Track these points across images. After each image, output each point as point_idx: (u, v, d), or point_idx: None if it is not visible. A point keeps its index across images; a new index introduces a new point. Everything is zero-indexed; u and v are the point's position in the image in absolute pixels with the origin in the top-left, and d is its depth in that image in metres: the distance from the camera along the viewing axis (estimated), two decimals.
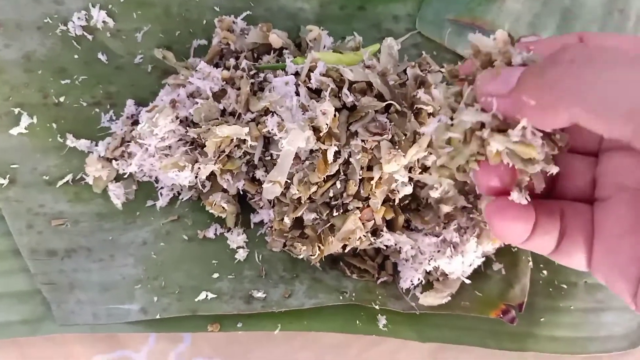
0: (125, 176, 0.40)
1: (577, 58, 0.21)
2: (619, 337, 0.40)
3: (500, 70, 0.24)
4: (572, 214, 0.27)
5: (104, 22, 0.40)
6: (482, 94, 0.24)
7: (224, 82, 0.39)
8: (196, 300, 0.38)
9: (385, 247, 0.40)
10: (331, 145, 0.37)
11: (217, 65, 0.41)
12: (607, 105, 0.20)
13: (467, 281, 0.39)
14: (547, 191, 0.28)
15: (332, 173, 0.37)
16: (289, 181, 0.38)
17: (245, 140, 0.37)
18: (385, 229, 0.39)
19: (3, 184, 0.39)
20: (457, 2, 0.44)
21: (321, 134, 0.37)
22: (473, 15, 0.43)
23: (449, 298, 0.39)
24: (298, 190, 0.37)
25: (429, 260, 0.38)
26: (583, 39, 0.27)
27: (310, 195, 0.38)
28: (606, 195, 0.26)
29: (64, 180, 0.40)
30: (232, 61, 0.40)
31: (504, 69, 0.24)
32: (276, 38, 0.41)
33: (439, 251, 0.38)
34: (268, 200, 0.39)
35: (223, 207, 0.39)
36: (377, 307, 0.38)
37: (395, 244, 0.39)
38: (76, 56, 0.41)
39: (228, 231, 0.40)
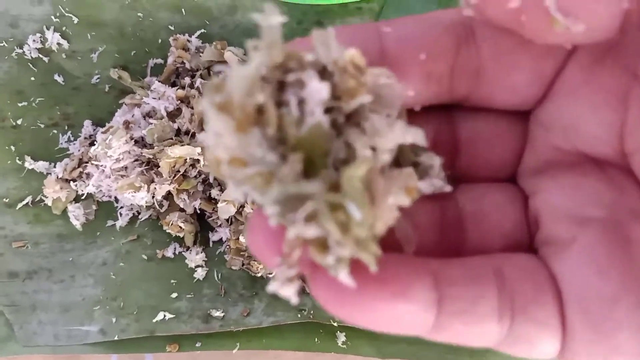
0: (84, 197, 0.40)
1: None
2: None
3: None
4: (517, 274, 0.17)
5: (58, 44, 0.40)
6: None
7: (179, 101, 0.39)
8: (154, 320, 0.38)
9: None
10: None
11: (173, 84, 0.41)
12: None
13: None
14: (453, 248, 0.19)
15: None
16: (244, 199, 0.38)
17: (199, 159, 0.38)
18: None
19: None
20: (414, 13, 0.43)
21: None
22: None
23: None
24: (252, 209, 0.37)
25: None
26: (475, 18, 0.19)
27: None
28: (566, 238, 0.18)
29: (24, 202, 0.40)
30: (187, 80, 0.40)
31: None
32: (231, 55, 0.41)
33: None
34: (225, 219, 0.40)
35: (181, 227, 0.39)
36: (335, 324, 0.38)
37: None
38: (33, 78, 0.41)
39: (187, 250, 0.40)
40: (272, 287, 0.16)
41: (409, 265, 0.16)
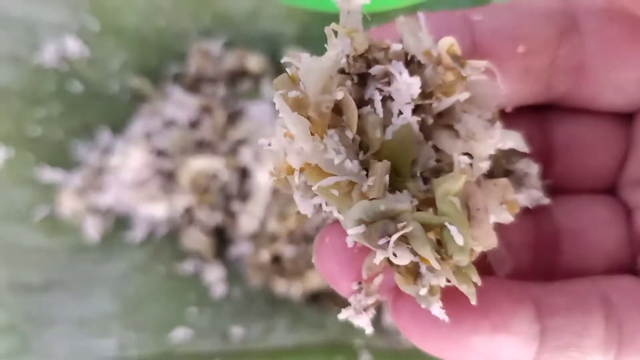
0: (102, 208, 0.39)
1: None
2: None
3: None
4: (625, 300, 0.15)
5: (78, 51, 0.40)
6: None
7: (200, 111, 0.38)
8: (173, 336, 0.37)
9: None
10: None
11: (194, 93, 0.40)
12: None
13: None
14: (547, 268, 0.17)
15: None
16: (266, 212, 0.37)
17: (221, 172, 0.37)
18: None
19: None
20: None
21: None
22: None
23: None
24: (275, 223, 0.36)
25: None
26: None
27: (289, 228, 0.37)
28: None
29: (41, 213, 0.39)
30: (208, 88, 0.39)
31: None
32: (253, 63, 0.40)
33: None
34: (246, 233, 0.38)
35: (200, 240, 0.38)
36: (359, 342, 0.37)
37: None
38: (52, 86, 0.40)
39: (205, 264, 0.39)
40: (343, 315, 0.14)
41: (508, 292, 0.14)
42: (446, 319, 0.13)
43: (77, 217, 0.39)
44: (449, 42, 0.14)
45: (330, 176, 0.13)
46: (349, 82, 0.13)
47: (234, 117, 0.38)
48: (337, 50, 0.13)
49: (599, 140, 0.18)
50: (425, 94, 0.13)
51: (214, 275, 0.39)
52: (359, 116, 0.13)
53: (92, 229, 0.39)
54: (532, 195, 0.16)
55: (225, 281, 0.39)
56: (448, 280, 0.13)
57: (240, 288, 0.39)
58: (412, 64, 0.14)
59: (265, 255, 0.37)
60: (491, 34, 0.16)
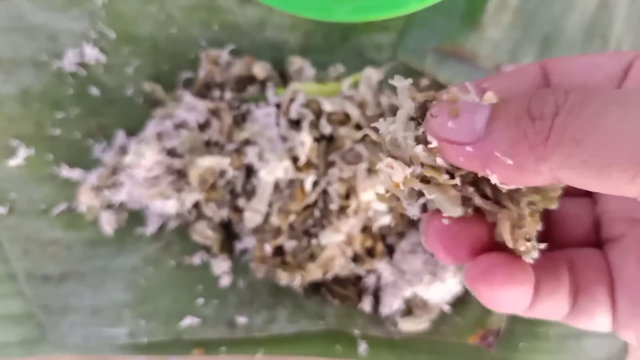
0: (117, 204, 0.42)
1: (561, 107, 0.17)
2: None
3: (458, 109, 0.19)
4: (583, 263, 0.22)
5: (96, 58, 0.42)
6: (437, 138, 0.19)
7: (209, 114, 0.41)
8: (181, 324, 0.40)
9: (366, 273, 0.41)
10: (309, 175, 0.38)
11: (203, 97, 0.42)
12: (605, 160, 0.16)
13: (447, 307, 0.39)
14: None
15: (310, 202, 0.39)
16: (269, 209, 0.39)
17: (227, 170, 0.39)
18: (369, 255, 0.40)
19: (2, 212, 0.41)
20: (438, 31, 0.45)
21: (300, 164, 0.38)
22: (454, 44, 0.44)
23: (428, 323, 0.39)
24: (277, 218, 0.38)
25: (409, 287, 0.39)
26: (546, 67, 0.23)
27: (290, 223, 0.39)
28: (617, 235, 0.22)
29: (59, 208, 0.42)
30: (217, 93, 0.42)
31: (464, 107, 0.19)
32: (259, 70, 0.42)
33: (420, 276, 0.39)
34: (251, 228, 0.41)
35: (208, 235, 0.41)
36: (357, 332, 0.39)
37: (375, 270, 0.40)
38: (70, 90, 0.43)
39: (213, 257, 0.41)
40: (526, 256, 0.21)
41: (518, 259, 0.21)
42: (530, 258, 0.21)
43: (93, 212, 0.42)
44: (491, 94, 0.20)
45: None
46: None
47: (240, 119, 0.41)
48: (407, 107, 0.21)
49: None
50: None
51: (221, 268, 0.41)
52: None
53: (107, 224, 0.42)
54: None
55: (231, 273, 0.41)
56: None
57: (245, 280, 0.41)
58: None
59: (268, 249, 0.39)
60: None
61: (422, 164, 0.20)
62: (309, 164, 0.38)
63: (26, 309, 0.41)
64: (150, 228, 0.42)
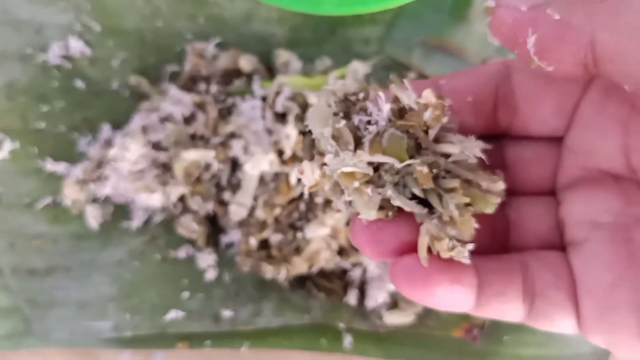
0: (102, 198, 0.42)
1: None
2: (585, 355, 0.40)
3: None
4: (539, 266, 0.22)
5: (81, 51, 0.42)
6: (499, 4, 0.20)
7: (195, 107, 0.40)
8: (166, 317, 0.39)
9: (351, 267, 0.41)
10: (294, 168, 0.38)
11: (189, 90, 0.42)
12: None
13: None
14: (499, 247, 0.24)
15: (296, 195, 0.38)
16: (254, 203, 0.39)
17: (213, 163, 0.39)
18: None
19: None
20: (425, 24, 0.45)
21: (286, 157, 0.38)
22: (441, 38, 0.44)
23: (413, 317, 0.39)
24: (263, 212, 0.38)
25: None
26: (510, 65, 0.24)
27: (275, 216, 0.39)
28: (580, 238, 0.22)
29: (44, 202, 0.42)
30: (202, 86, 0.42)
31: None
32: (246, 63, 0.42)
33: None
34: (236, 221, 0.41)
35: (193, 229, 0.40)
36: (342, 325, 0.39)
37: (361, 263, 0.40)
38: (56, 84, 0.42)
39: (199, 251, 0.41)
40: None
41: (460, 262, 0.21)
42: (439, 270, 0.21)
43: (78, 206, 0.42)
44: (428, 92, 0.21)
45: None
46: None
47: (225, 113, 0.40)
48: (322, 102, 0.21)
49: (538, 158, 0.25)
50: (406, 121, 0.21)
51: (206, 262, 0.41)
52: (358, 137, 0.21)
53: (92, 217, 0.42)
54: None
55: (216, 267, 0.41)
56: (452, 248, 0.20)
57: (231, 273, 0.41)
58: (404, 111, 0.21)
59: (253, 243, 0.39)
60: (451, 90, 0.23)
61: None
62: (294, 157, 0.38)
63: (12, 303, 0.41)
64: (136, 222, 0.42)
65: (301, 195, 0.39)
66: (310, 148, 0.39)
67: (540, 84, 0.23)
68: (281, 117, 0.39)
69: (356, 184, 0.20)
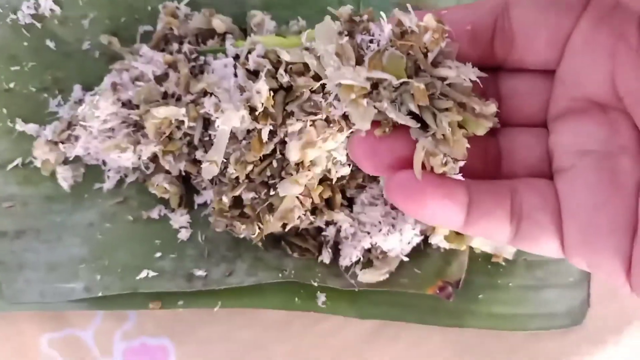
0: (73, 159, 0.41)
1: None
2: (560, 315, 0.40)
3: None
4: (528, 191, 0.23)
5: (51, 9, 0.42)
6: None
7: (167, 66, 0.40)
8: (138, 278, 0.39)
9: (325, 226, 0.40)
10: (266, 124, 0.37)
11: (162, 50, 0.42)
12: None
13: (406, 259, 0.39)
14: (492, 174, 0.25)
15: (268, 152, 0.38)
16: (226, 161, 0.38)
17: (184, 121, 0.38)
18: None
19: None
20: None
21: (257, 114, 0.38)
22: None
23: (388, 275, 0.39)
24: (235, 169, 0.38)
25: (368, 237, 0.39)
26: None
27: (248, 174, 0.38)
28: (567, 165, 0.23)
29: (14, 163, 0.41)
30: (175, 46, 0.41)
31: None
32: (219, 23, 0.42)
33: (379, 227, 0.39)
34: (210, 180, 0.40)
35: (166, 188, 0.40)
36: (316, 284, 0.39)
37: (335, 222, 0.40)
38: (25, 43, 0.42)
39: (172, 212, 0.41)
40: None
41: (453, 180, 0.23)
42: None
43: (49, 167, 0.41)
44: (429, 16, 0.22)
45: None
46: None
47: (197, 71, 0.40)
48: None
49: (531, 90, 0.26)
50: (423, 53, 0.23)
51: (179, 222, 0.40)
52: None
53: (63, 179, 0.41)
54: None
55: (189, 227, 0.40)
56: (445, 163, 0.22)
57: (204, 233, 0.40)
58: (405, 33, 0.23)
59: (226, 201, 0.39)
60: (451, 20, 0.24)
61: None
62: (266, 114, 0.38)
63: None
64: (108, 183, 0.41)
65: (274, 152, 0.38)
66: (282, 104, 0.38)
67: (536, 16, 0.24)
68: (254, 75, 0.39)
69: (352, 96, 0.22)
